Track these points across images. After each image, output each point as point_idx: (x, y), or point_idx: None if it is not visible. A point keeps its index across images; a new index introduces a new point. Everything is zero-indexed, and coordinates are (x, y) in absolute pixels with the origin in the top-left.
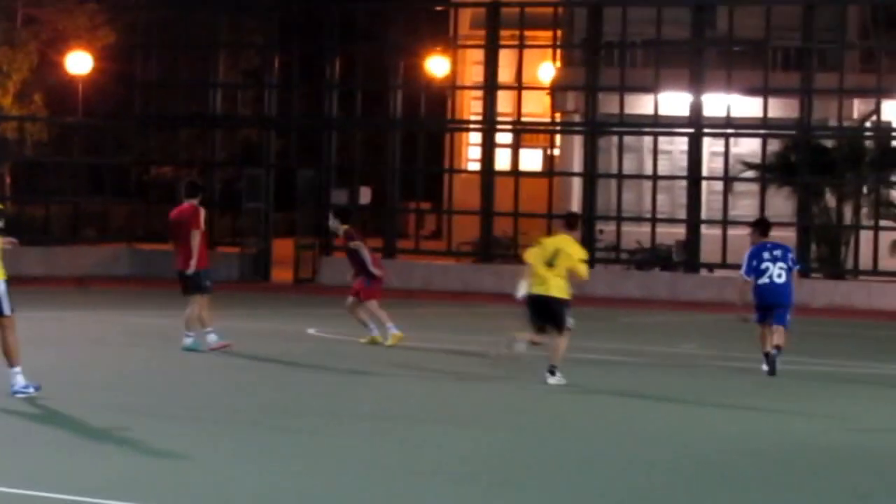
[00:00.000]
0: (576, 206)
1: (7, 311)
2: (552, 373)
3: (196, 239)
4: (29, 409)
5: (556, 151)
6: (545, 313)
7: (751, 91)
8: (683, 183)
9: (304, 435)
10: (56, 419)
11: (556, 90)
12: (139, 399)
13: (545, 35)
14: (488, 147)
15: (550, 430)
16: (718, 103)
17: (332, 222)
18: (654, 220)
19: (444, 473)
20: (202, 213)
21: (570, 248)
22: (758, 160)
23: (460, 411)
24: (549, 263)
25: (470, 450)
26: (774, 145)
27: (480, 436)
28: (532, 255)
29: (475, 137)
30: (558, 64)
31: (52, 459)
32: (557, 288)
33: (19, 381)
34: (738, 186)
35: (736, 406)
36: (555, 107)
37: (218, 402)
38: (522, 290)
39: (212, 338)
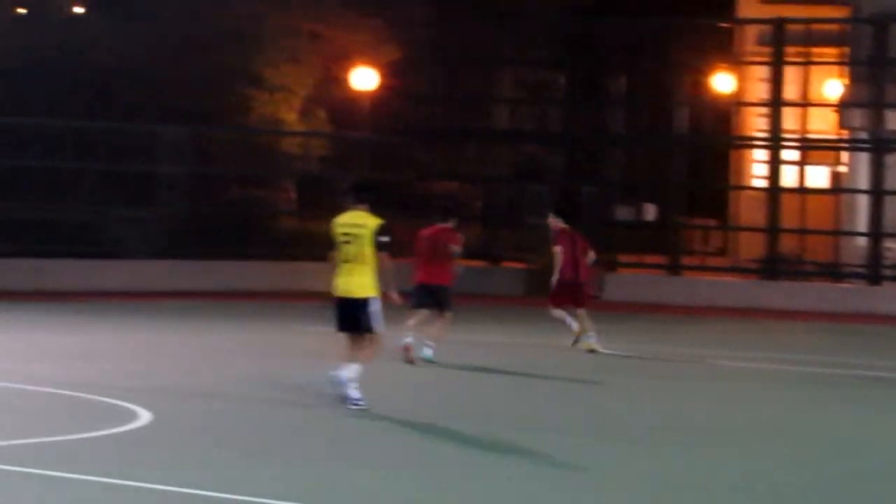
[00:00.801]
0: (862, 223)
1: (376, 326)
2: None
3: (455, 255)
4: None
5: (843, 168)
6: None
7: None
8: None
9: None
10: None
11: (842, 107)
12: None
13: (830, 52)
14: (774, 164)
15: None
16: None
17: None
18: None
19: None
20: (459, 234)
21: None
22: None
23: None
24: None
25: None
26: None
27: None
28: None
29: (760, 154)
30: (844, 80)
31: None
32: None
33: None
34: None
35: None
36: (841, 123)
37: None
38: None
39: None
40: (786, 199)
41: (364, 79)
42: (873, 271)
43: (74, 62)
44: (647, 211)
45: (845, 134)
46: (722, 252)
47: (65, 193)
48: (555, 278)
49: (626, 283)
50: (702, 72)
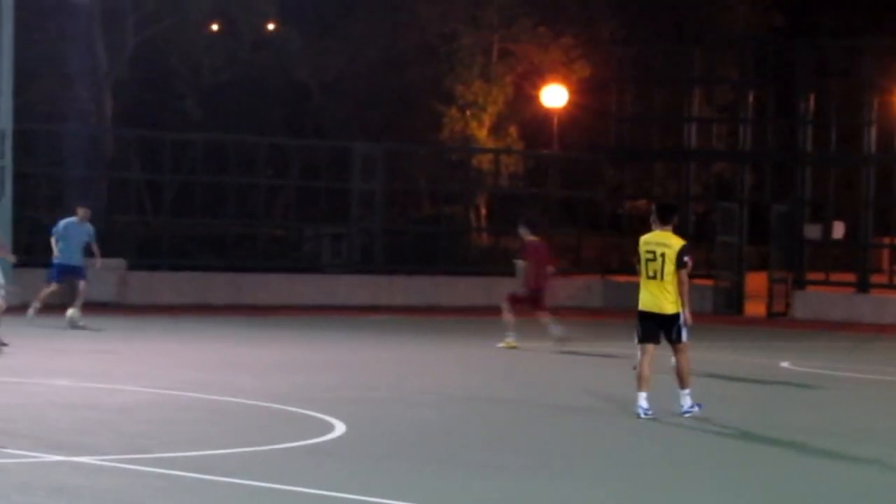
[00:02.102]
0: None
1: (685, 337)
2: None
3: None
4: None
5: None
6: None
7: None
8: None
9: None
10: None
11: None
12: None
13: None
14: None
15: None
16: None
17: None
18: None
19: None
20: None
21: None
22: None
23: None
24: None
25: None
26: None
27: None
28: None
29: None
30: None
31: None
32: None
33: (687, 402)
34: None
35: None
36: None
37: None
38: None
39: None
40: None
41: (554, 96)
42: None
43: (271, 79)
44: (835, 229)
45: None
46: None
47: (261, 209)
48: (522, 289)
49: (814, 300)
50: (890, 91)
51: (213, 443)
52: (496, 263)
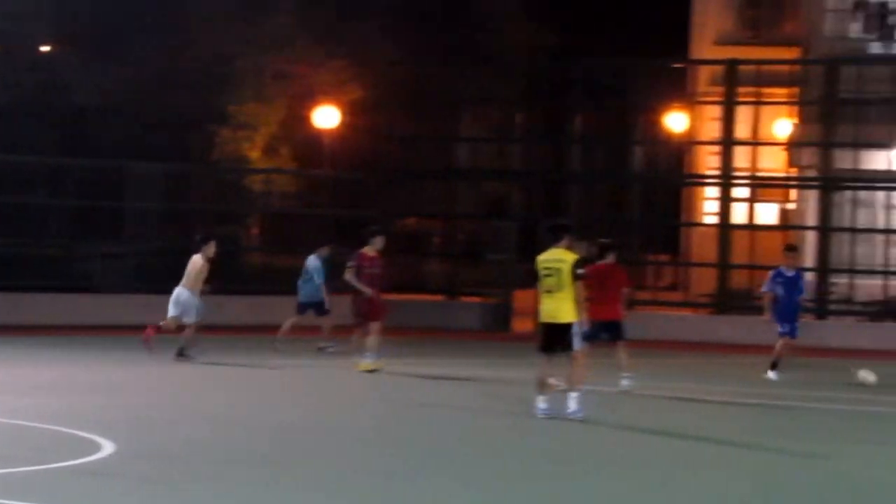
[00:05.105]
0: (810, 259)
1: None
2: None
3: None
4: None
5: (792, 205)
6: None
7: None
8: None
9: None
10: None
11: (792, 146)
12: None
13: (781, 92)
14: (725, 201)
15: None
16: None
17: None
18: (887, 273)
19: None
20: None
21: None
22: None
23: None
24: None
25: None
26: None
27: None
28: None
29: (712, 191)
30: (794, 120)
31: None
32: None
33: (573, 405)
34: None
35: None
36: (791, 162)
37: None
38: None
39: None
40: (737, 236)
41: (327, 117)
42: (821, 306)
43: (48, 99)
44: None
45: (795, 172)
46: (674, 287)
47: (36, 228)
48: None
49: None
50: (657, 111)
51: None
52: (268, 282)
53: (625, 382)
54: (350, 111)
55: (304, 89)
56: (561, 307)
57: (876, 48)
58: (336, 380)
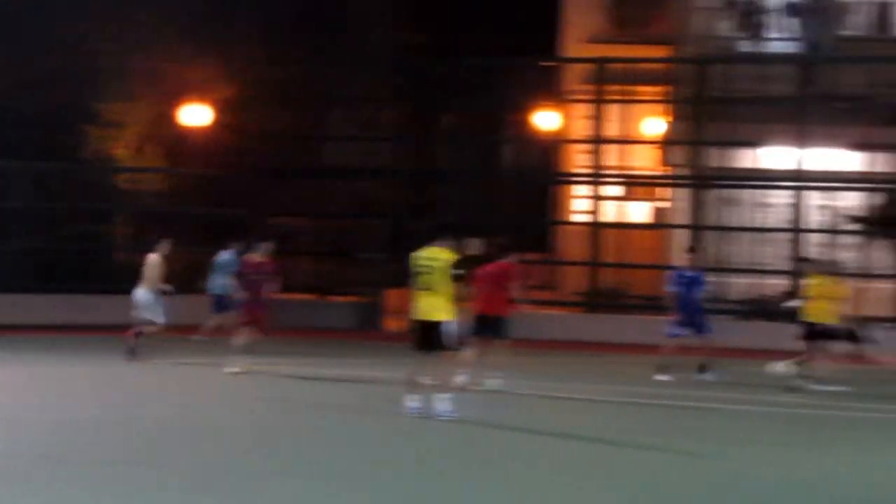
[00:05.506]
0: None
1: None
2: None
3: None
4: None
5: (663, 204)
6: None
7: (854, 146)
8: (787, 235)
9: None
10: None
11: (663, 144)
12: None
13: (652, 90)
14: (596, 199)
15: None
16: (822, 157)
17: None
18: (758, 272)
19: None
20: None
21: None
22: (860, 214)
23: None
24: None
25: None
26: (878, 199)
27: None
28: None
29: (583, 190)
30: (665, 118)
31: None
32: None
33: (444, 406)
34: (842, 239)
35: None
36: (664, 160)
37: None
38: None
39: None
40: (609, 234)
41: (197, 115)
42: None
43: None
44: (471, 245)
45: (668, 170)
46: (547, 286)
47: None
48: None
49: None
50: (527, 110)
51: None
52: (133, 281)
53: (494, 381)
54: (220, 109)
55: (173, 87)
56: (435, 305)
57: (745, 47)
58: (208, 379)
